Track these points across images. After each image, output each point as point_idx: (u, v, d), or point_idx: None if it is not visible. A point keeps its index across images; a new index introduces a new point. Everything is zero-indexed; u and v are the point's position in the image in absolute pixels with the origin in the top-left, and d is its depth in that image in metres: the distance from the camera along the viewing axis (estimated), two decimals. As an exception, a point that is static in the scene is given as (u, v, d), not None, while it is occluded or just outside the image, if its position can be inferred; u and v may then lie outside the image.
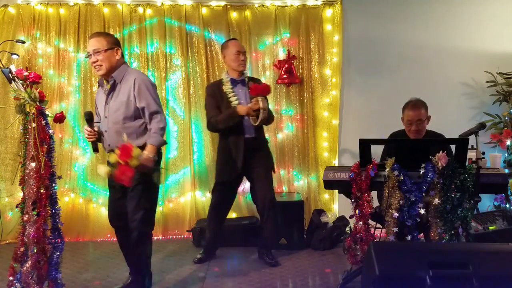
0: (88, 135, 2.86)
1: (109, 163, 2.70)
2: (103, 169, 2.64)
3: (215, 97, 3.52)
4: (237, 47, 3.55)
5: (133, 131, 2.84)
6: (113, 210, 3.01)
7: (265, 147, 3.68)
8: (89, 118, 2.85)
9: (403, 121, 3.27)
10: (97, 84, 3.16)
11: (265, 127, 4.43)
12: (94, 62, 2.82)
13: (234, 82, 3.55)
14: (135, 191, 2.79)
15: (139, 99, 2.80)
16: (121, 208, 2.92)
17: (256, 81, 3.68)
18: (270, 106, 4.44)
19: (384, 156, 3.16)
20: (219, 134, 3.66)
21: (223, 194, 3.65)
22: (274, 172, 3.71)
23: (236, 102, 3.47)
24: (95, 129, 2.90)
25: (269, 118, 3.52)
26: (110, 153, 2.69)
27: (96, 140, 2.90)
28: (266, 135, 4.45)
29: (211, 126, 3.55)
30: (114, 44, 2.88)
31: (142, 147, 2.76)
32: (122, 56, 2.94)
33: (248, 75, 3.75)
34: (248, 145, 3.48)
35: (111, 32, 4.36)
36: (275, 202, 3.59)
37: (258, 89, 3.35)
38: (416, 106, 3.19)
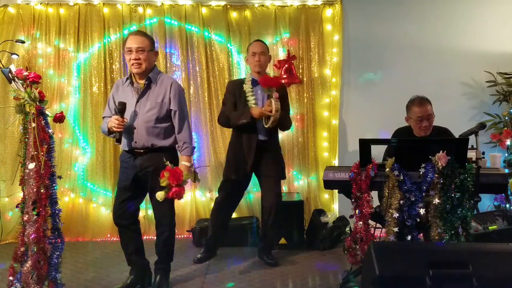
0: (118, 125, 2.85)
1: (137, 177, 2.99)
2: (161, 195, 2.82)
3: (234, 94, 3.56)
4: (253, 48, 3.58)
5: (162, 132, 2.98)
6: (120, 210, 3.03)
7: (277, 152, 3.66)
8: (122, 108, 2.89)
9: (409, 120, 3.26)
10: (120, 80, 3.21)
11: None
12: (136, 59, 2.89)
13: (254, 82, 3.56)
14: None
15: (174, 103, 2.98)
16: (127, 207, 3.01)
17: (280, 87, 3.66)
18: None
19: (386, 156, 3.16)
20: (232, 131, 3.67)
21: (229, 193, 3.65)
22: (284, 178, 3.73)
23: (253, 101, 3.48)
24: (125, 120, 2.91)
25: (284, 122, 3.55)
26: (161, 179, 2.79)
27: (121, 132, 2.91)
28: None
29: (223, 120, 3.59)
30: (154, 46, 3.04)
31: (168, 147, 3.01)
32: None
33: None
34: (259, 147, 3.49)
35: (111, 32, 4.37)
36: (280, 210, 3.62)
37: (267, 80, 3.38)
38: (423, 102, 3.21)
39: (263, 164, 3.54)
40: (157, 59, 4.33)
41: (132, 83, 3.01)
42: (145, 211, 4.36)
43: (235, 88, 3.58)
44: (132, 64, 2.92)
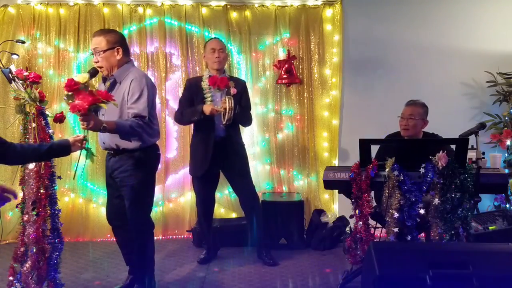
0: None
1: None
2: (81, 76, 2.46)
3: (190, 91, 3.56)
4: (212, 45, 3.54)
5: None
6: (111, 210, 3.01)
7: (238, 149, 3.62)
8: (92, 74, 2.74)
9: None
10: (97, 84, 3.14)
11: (264, 127, 4.47)
12: (95, 62, 2.81)
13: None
14: (130, 191, 2.80)
15: (129, 103, 2.73)
16: (118, 207, 2.93)
17: (239, 81, 3.68)
18: (270, 106, 4.47)
19: (377, 157, 3.13)
20: (193, 129, 3.70)
21: (200, 188, 3.67)
22: (247, 178, 3.68)
23: (210, 99, 3.47)
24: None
25: (243, 119, 3.54)
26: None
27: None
28: (266, 135, 4.48)
29: (177, 118, 3.61)
30: (115, 43, 2.79)
31: (134, 149, 2.78)
32: (127, 54, 2.86)
33: (228, 74, 3.75)
34: (218, 143, 3.48)
35: (111, 32, 4.36)
36: (256, 203, 3.68)
37: (215, 80, 3.41)
38: (411, 103, 3.26)
39: (225, 160, 3.53)
40: (157, 58, 4.39)
41: (104, 82, 2.91)
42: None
43: (192, 85, 3.57)
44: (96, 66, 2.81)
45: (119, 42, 2.82)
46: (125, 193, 2.84)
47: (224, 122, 3.39)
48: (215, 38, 3.75)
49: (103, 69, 2.80)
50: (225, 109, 3.31)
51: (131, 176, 2.80)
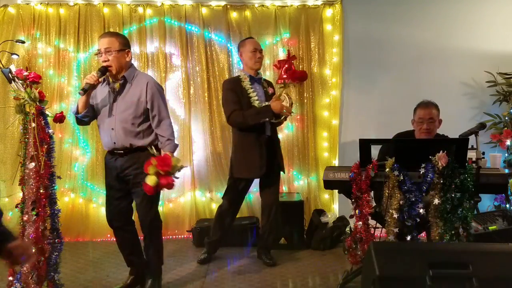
0: (91, 77, 2.77)
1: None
2: (153, 179, 2.62)
3: (235, 91, 3.47)
4: (254, 45, 3.57)
5: (141, 131, 2.91)
6: (112, 211, 3.01)
7: (279, 147, 3.69)
8: (103, 72, 2.82)
9: (414, 122, 3.26)
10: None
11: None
12: (105, 61, 2.84)
13: (252, 79, 3.55)
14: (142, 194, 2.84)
15: (151, 105, 2.90)
16: (119, 208, 2.96)
17: (269, 82, 3.75)
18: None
19: (379, 156, 3.13)
20: (234, 130, 3.59)
21: (239, 192, 3.62)
22: (284, 172, 3.74)
23: (256, 98, 3.46)
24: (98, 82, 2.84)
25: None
26: (149, 166, 2.65)
27: (91, 87, 2.81)
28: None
29: (240, 119, 3.41)
30: (126, 45, 2.93)
31: (147, 146, 2.92)
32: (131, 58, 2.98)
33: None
34: (267, 143, 3.49)
35: (111, 32, 4.37)
36: (279, 208, 3.66)
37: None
38: (428, 105, 3.21)
39: (271, 160, 3.52)
40: (157, 58, 4.39)
41: (108, 83, 2.95)
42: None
43: (235, 86, 3.50)
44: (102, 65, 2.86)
45: (128, 45, 2.96)
46: (136, 190, 2.90)
47: (281, 119, 3.42)
48: (252, 38, 3.73)
49: (112, 68, 2.86)
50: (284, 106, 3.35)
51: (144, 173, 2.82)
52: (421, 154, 2.72)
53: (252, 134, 3.46)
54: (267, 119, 3.37)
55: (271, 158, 3.50)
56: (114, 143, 2.91)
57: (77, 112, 2.91)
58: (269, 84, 3.72)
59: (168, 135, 2.92)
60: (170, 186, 2.65)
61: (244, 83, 3.49)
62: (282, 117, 3.40)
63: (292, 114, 3.44)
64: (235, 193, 3.62)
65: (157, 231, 3.05)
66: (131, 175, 2.91)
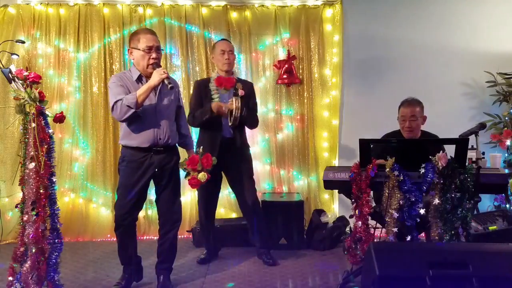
0: (164, 72, 2.82)
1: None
2: (203, 176, 2.94)
3: (199, 93, 3.55)
4: (222, 46, 3.54)
5: (175, 129, 3.08)
6: (127, 210, 2.96)
7: (244, 151, 3.62)
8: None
9: (399, 120, 3.28)
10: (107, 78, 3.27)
11: (264, 127, 4.47)
12: (155, 58, 2.89)
13: None
14: (175, 183, 3.09)
15: (180, 99, 3.17)
16: (139, 204, 3.06)
17: (246, 83, 3.69)
18: (270, 106, 4.47)
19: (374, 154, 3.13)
20: (200, 129, 3.65)
21: (203, 188, 3.55)
22: (252, 176, 3.67)
23: (217, 99, 3.47)
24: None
25: (250, 120, 3.54)
26: (197, 164, 2.91)
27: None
28: (266, 135, 4.49)
29: (190, 121, 3.53)
30: None
31: (176, 145, 3.12)
32: None
33: (238, 76, 3.77)
34: (224, 144, 3.48)
35: (111, 32, 4.37)
36: (258, 206, 3.65)
37: (221, 80, 3.44)
38: (411, 103, 3.23)
39: (229, 162, 3.52)
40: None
41: (141, 81, 2.94)
42: (145, 211, 4.36)
43: (201, 87, 3.56)
44: (152, 64, 2.88)
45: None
46: (169, 184, 3.04)
47: (230, 123, 3.41)
48: (224, 39, 3.74)
49: (159, 65, 2.93)
50: (231, 109, 3.35)
51: (177, 169, 3.08)
52: (417, 154, 2.73)
53: (207, 132, 3.53)
54: (207, 116, 3.40)
55: (228, 159, 3.48)
56: (160, 139, 2.94)
57: (137, 107, 2.83)
58: (247, 84, 3.65)
59: (190, 133, 3.25)
60: (206, 182, 2.96)
61: (211, 85, 3.53)
62: (232, 120, 3.40)
63: (237, 117, 3.39)
64: (199, 191, 3.68)
65: (178, 224, 3.14)
66: (167, 171, 3.01)
